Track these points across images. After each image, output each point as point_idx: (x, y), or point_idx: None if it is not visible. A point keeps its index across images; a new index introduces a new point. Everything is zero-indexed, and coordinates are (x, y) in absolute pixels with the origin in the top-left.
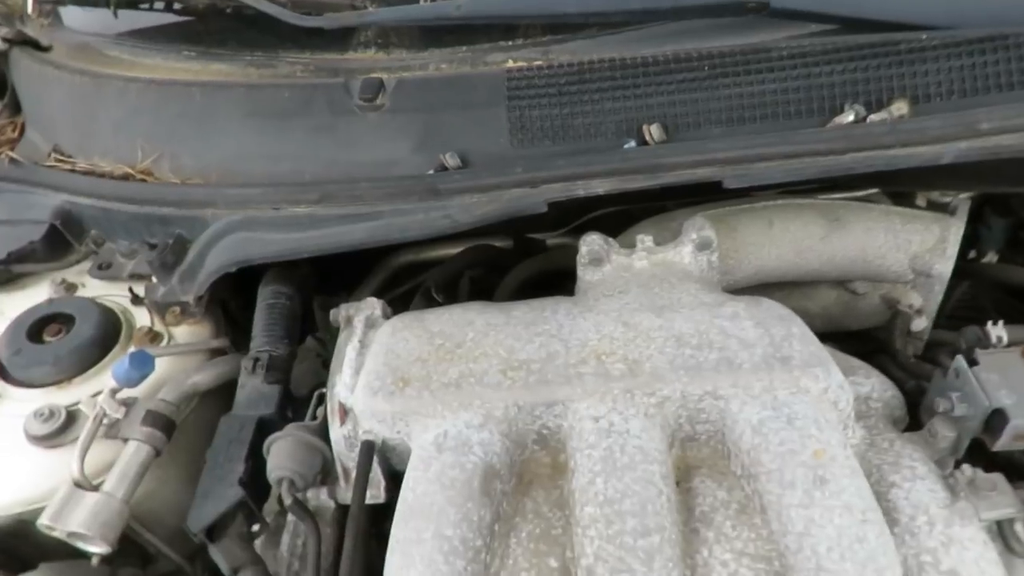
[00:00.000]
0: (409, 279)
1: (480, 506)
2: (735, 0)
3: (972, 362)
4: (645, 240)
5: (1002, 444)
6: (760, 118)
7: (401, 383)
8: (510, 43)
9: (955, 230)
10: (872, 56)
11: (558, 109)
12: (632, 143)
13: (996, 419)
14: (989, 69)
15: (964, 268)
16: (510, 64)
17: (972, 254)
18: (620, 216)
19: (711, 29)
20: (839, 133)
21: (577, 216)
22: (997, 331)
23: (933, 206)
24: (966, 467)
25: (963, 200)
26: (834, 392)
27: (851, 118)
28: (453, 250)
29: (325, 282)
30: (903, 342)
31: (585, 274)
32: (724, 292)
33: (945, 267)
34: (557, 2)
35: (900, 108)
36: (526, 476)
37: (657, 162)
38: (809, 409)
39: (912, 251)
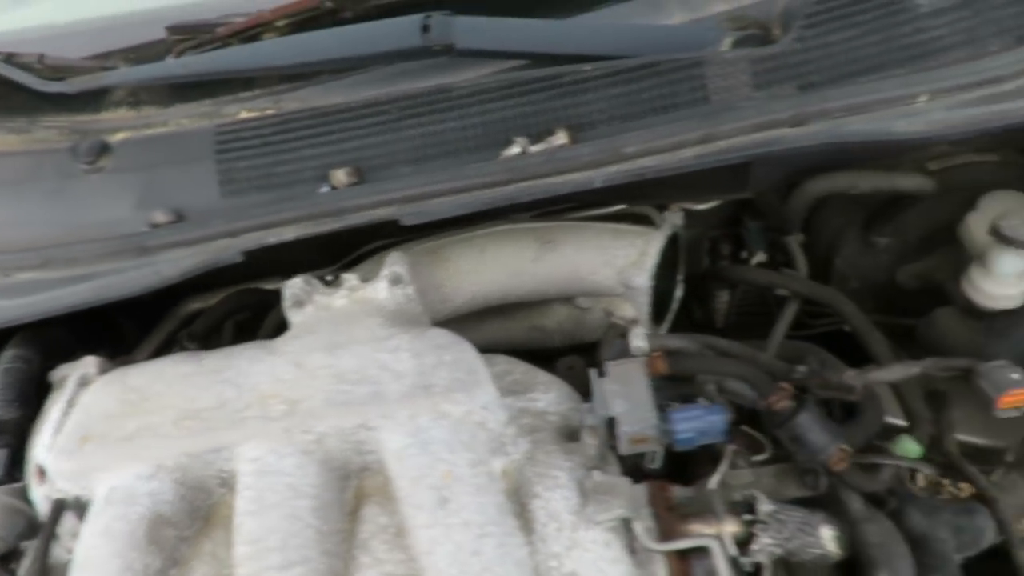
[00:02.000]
0: None
1: (145, 554)
2: (420, 45)
3: (604, 373)
4: (350, 279)
5: (623, 449)
6: (443, 155)
7: (83, 440)
8: (248, 93)
9: (655, 243)
10: (540, 90)
11: (263, 159)
12: (327, 187)
13: (614, 426)
14: (645, 95)
15: (716, 271)
16: (243, 115)
17: (744, 255)
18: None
19: (430, 69)
20: (503, 166)
21: (352, 250)
22: (637, 340)
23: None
24: (596, 473)
25: (672, 213)
26: (479, 414)
27: (517, 150)
28: None
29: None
30: (608, 352)
31: (290, 316)
32: (410, 325)
33: (643, 279)
34: (265, 57)
35: (560, 138)
36: (214, 519)
37: (342, 205)
38: (446, 433)
39: (619, 265)
